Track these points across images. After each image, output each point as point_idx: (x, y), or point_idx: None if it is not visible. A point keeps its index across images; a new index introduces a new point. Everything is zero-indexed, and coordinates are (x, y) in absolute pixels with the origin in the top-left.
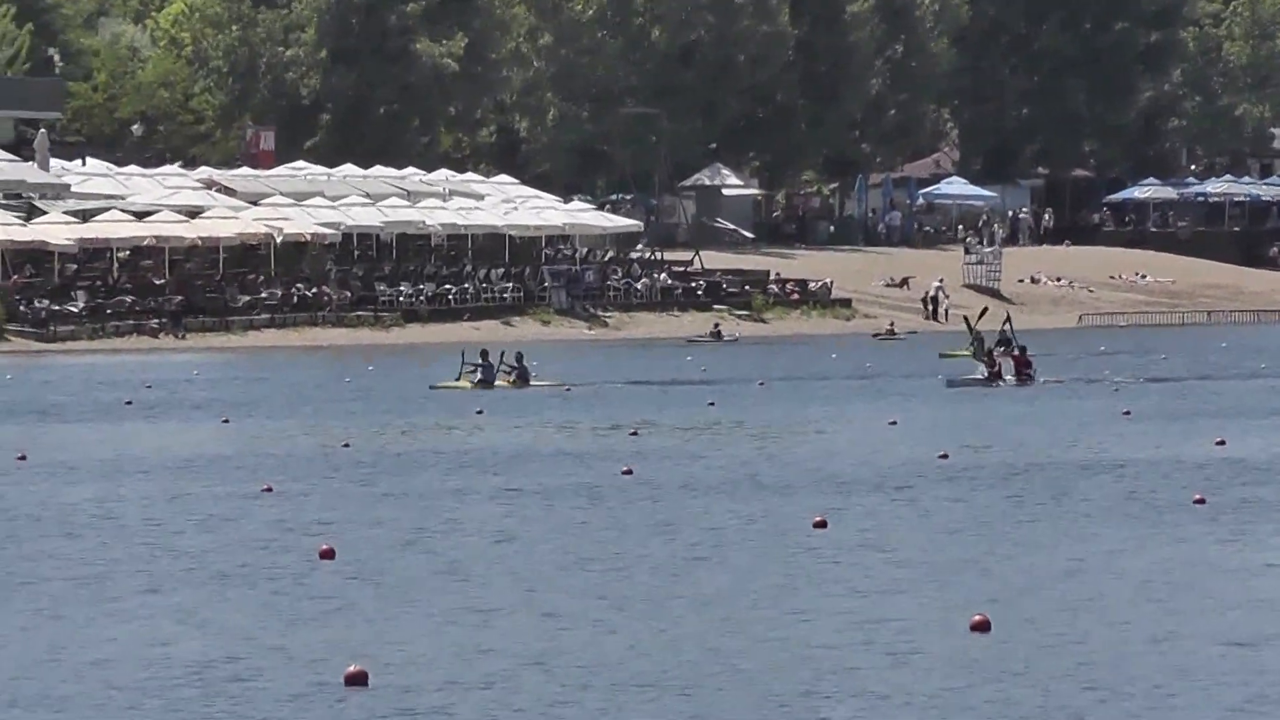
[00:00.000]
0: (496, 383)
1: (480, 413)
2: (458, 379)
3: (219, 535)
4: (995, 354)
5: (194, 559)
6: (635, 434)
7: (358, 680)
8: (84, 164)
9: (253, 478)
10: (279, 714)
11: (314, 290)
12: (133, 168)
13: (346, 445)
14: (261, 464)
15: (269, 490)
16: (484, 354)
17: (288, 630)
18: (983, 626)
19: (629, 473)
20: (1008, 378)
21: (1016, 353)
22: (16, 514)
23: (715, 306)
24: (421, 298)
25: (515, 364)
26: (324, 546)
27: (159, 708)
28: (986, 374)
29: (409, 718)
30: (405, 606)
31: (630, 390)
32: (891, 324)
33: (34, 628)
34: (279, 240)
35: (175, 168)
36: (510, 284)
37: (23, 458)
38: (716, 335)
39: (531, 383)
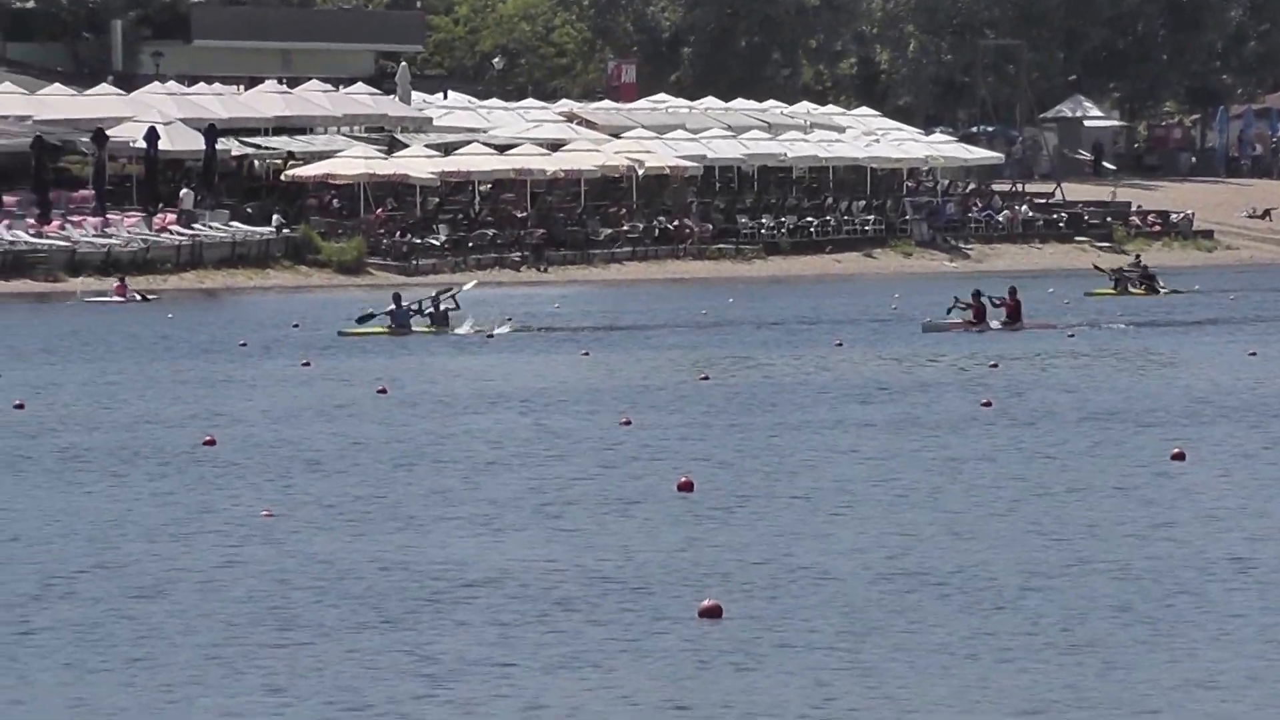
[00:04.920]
0: (414, 328)
1: (839, 344)
2: (366, 323)
3: (578, 468)
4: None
5: (553, 492)
6: (995, 366)
7: (712, 614)
8: (445, 97)
9: (612, 410)
10: (634, 644)
11: (675, 223)
12: (494, 101)
13: (705, 378)
14: (621, 396)
15: (628, 423)
16: (397, 297)
17: (643, 563)
18: None
19: (988, 405)
20: (993, 324)
21: (1009, 299)
22: (383, 447)
23: (1076, 239)
24: (783, 230)
25: (434, 307)
26: (682, 479)
27: (514, 625)
28: (971, 317)
29: (763, 650)
30: (763, 539)
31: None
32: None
33: (416, 552)
34: (640, 173)
35: (536, 101)
36: (871, 216)
37: (383, 391)
38: None
39: (452, 328)
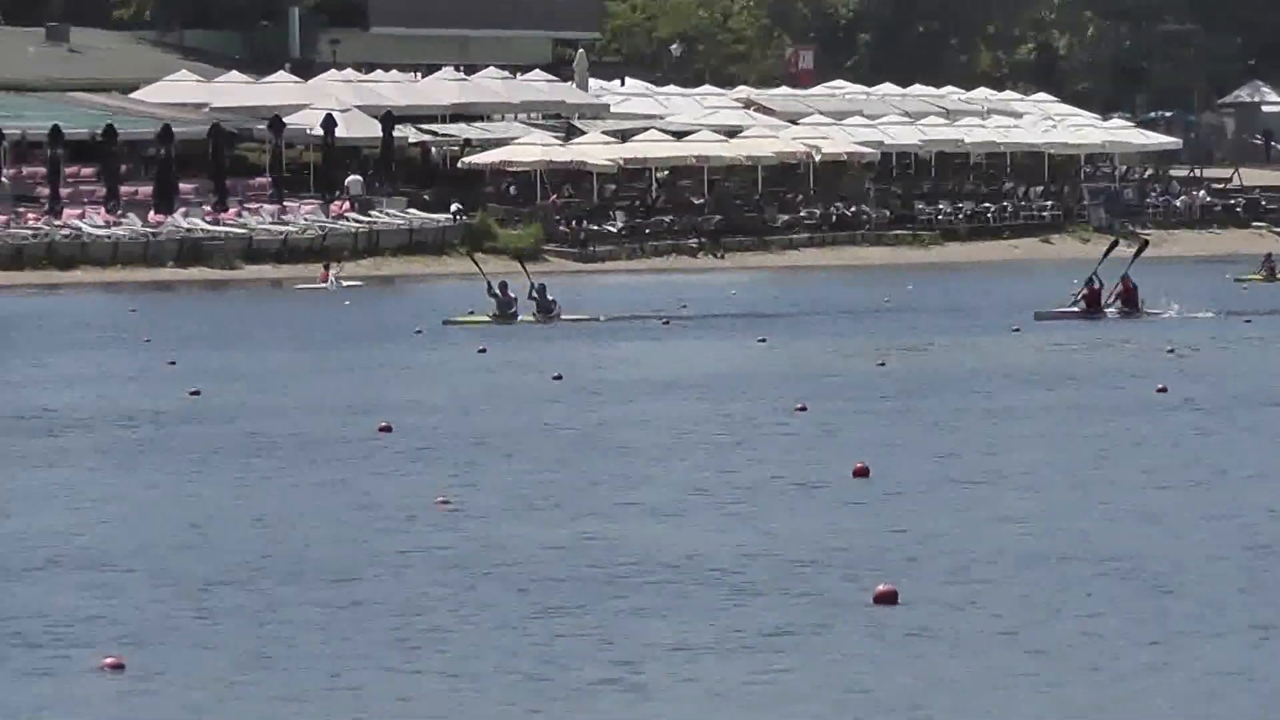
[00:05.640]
0: (520, 317)
1: (1017, 330)
2: (471, 312)
3: (755, 454)
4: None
5: (730, 477)
6: (1171, 351)
7: (887, 599)
8: (623, 84)
9: (789, 396)
10: (810, 629)
11: (852, 209)
12: (671, 87)
13: (882, 364)
14: (798, 382)
15: (803, 409)
16: (504, 286)
17: (819, 548)
18: None
19: (1164, 390)
20: (1110, 310)
21: (1123, 285)
22: (561, 433)
23: (1254, 224)
24: (960, 216)
25: (539, 296)
26: (858, 464)
27: (692, 610)
28: (1084, 305)
29: (939, 634)
30: (939, 524)
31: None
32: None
33: (596, 538)
34: (818, 159)
35: (713, 87)
36: (1049, 202)
37: (559, 377)
38: None
39: (562, 316)
